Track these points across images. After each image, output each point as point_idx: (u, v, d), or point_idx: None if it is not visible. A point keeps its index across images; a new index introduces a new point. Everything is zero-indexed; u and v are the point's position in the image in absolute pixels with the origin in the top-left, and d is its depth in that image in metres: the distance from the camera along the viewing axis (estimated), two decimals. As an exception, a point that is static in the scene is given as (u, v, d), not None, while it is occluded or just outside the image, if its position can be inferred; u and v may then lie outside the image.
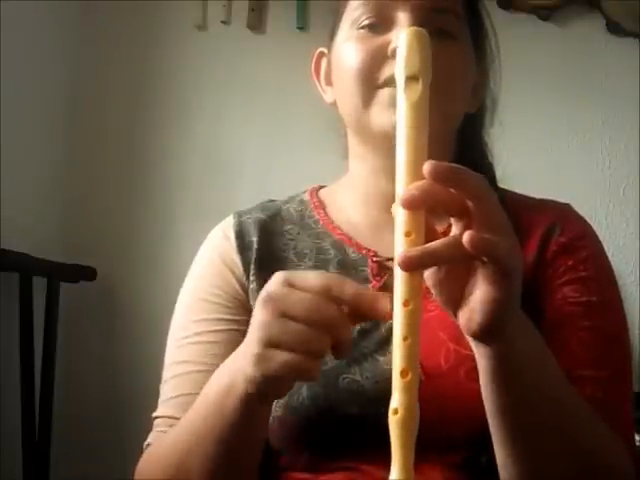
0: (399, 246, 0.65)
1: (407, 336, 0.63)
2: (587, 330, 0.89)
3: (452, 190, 0.64)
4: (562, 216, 0.97)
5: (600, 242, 0.98)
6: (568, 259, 0.93)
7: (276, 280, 0.69)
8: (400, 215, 0.65)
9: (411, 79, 0.67)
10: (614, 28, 2.14)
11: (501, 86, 1.02)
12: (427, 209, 0.65)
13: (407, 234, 0.64)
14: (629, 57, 2.13)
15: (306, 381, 0.70)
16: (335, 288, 0.67)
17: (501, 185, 1.01)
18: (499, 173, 1.02)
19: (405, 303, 0.64)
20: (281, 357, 0.66)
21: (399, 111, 0.67)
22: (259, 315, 0.69)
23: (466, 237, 0.62)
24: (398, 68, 0.68)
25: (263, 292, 0.69)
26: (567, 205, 1.00)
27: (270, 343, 0.67)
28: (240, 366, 0.72)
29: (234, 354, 0.77)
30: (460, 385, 0.84)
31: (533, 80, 2.12)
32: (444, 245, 0.63)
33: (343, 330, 0.67)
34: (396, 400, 0.63)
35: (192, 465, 0.80)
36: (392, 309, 0.65)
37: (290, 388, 0.72)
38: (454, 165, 0.64)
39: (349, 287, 0.67)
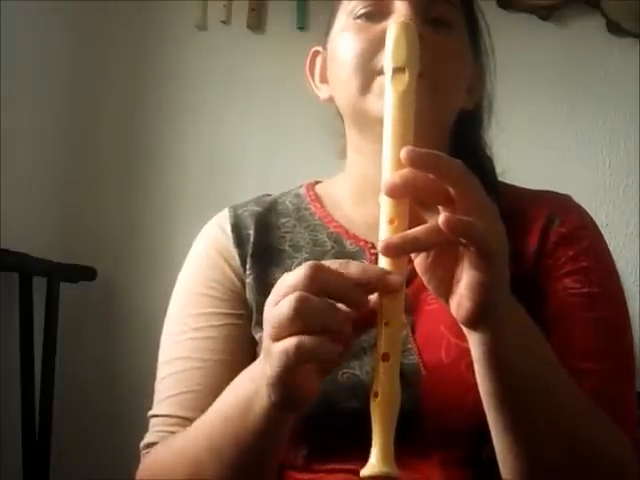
0: (382, 233, 0.66)
1: (389, 321, 0.65)
2: (588, 322, 0.89)
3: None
4: (562, 207, 0.97)
5: (600, 232, 0.97)
6: (569, 249, 0.92)
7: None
8: (384, 203, 0.66)
9: (398, 70, 0.69)
10: (614, 28, 2.13)
11: (498, 85, 1.02)
12: (413, 199, 0.66)
13: (390, 221, 0.65)
14: (629, 57, 2.12)
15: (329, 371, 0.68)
16: (321, 275, 0.64)
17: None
18: (499, 172, 1.02)
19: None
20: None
21: (386, 101, 0.69)
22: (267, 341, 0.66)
23: (442, 218, 0.62)
24: (386, 60, 0.71)
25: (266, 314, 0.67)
26: (567, 196, 1.00)
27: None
28: (261, 370, 0.70)
29: (256, 362, 0.75)
30: (461, 379, 0.83)
31: (533, 80, 2.12)
32: (425, 230, 0.64)
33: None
34: (377, 383, 0.64)
35: (206, 472, 0.79)
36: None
37: (311, 396, 0.67)
38: (431, 151, 0.64)
39: (332, 266, 0.64)
